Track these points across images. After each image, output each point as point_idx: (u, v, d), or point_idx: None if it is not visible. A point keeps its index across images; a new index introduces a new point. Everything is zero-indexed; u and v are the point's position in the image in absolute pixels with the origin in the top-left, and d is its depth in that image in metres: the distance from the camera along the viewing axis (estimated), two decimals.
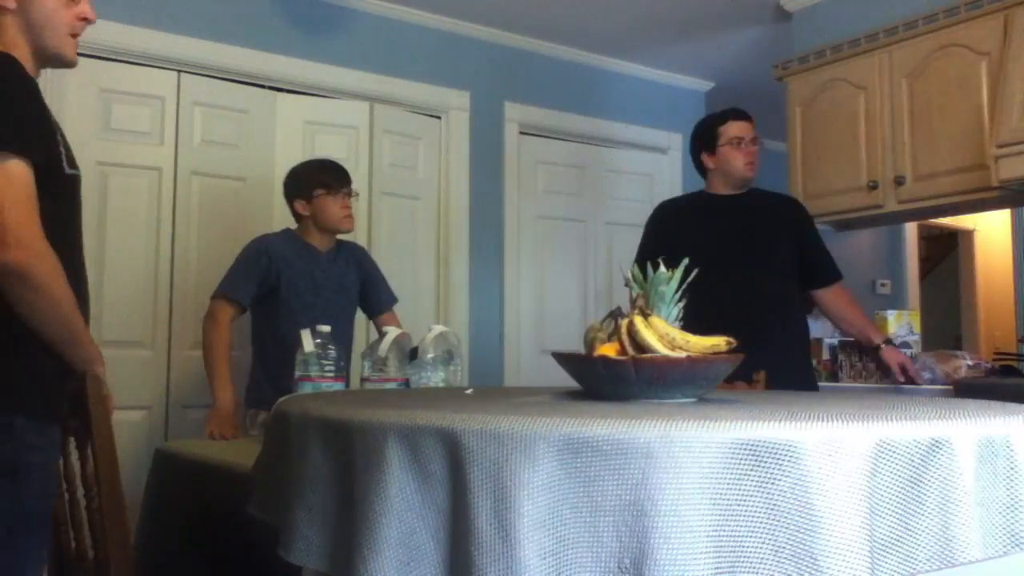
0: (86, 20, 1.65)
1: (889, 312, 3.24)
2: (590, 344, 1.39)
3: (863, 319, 2.87)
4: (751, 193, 2.81)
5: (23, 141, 1.47)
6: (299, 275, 2.71)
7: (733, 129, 2.74)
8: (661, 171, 4.87)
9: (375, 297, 2.93)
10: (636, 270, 1.39)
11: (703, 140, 2.81)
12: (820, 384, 3.11)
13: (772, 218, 2.77)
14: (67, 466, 1.71)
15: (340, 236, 2.85)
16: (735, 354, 1.31)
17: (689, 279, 1.37)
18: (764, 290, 2.67)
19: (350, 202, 2.77)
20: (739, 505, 0.92)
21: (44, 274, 1.47)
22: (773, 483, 0.92)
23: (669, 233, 2.75)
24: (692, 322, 1.41)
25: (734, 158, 2.73)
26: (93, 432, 1.57)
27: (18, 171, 1.45)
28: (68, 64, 1.67)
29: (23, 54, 1.59)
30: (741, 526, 0.91)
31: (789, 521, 0.91)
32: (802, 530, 0.90)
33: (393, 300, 2.99)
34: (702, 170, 2.85)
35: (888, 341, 2.81)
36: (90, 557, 1.64)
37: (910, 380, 2.88)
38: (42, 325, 1.52)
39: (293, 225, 2.84)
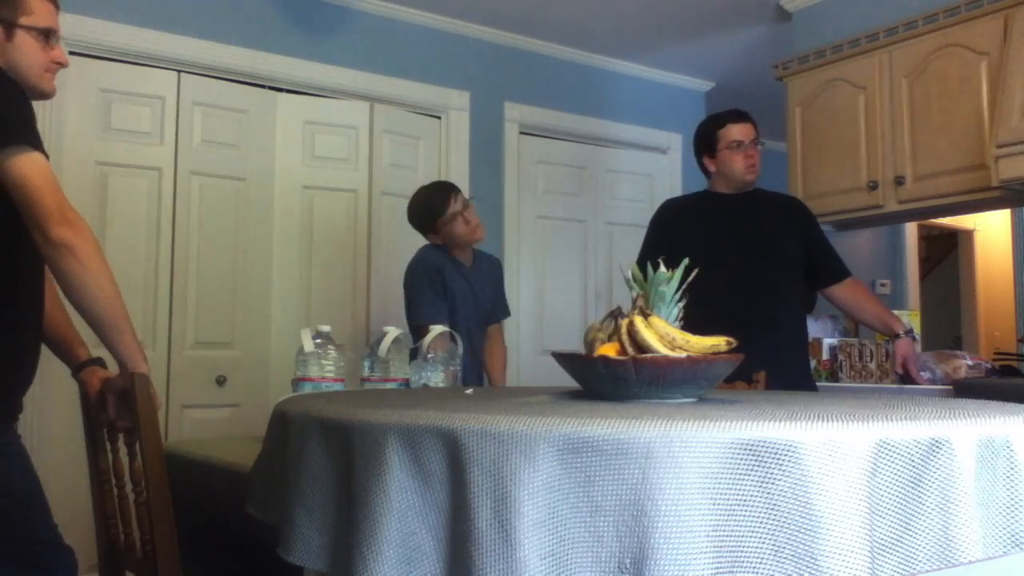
0: (59, 64, 1.75)
1: None
2: (590, 344, 1.39)
3: (883, 310, 2.85)
4: (754, 193, 2.80)
5: (39, 139, 1.57)
6: (457, 287, 2.88)
7: (732, 132, 2.72)
8: (661, 171, 4.87)
9: (492, 311, 3.09)
10: (636, 270, 1.39)
11: (704, 143, 2.80)
12: (820, 384, 3.11)
13: (776, 218, 2.76)
14: (116, 462, 1.76)
15: (477, 247, 3.02)
16: (735, 354, 1.31)
17: (689, 279, 1.37)
18: (766, 290, 2.66)
19: (470, 213, 2.88)
20: (739, 505, 0.92)
21: (92, 250, 1.55)
22: (773, 483, 0.92)
23: (673, 232, 2.74)
24: (694, 320, 1.41)
25: (734, 162, 2.71)
26: (141, 429, 1.60)
27: (44, 161, 1.56)
28: (46, 96, 1.76)
29: None
30: (741, 526, 0.91)
31: (789, 521, 0.91)
32: (802, 530, 0.90)
33: (505, 315, 3.15)
34: (705, 171, 2.85)
35: (908, 332, 2.80)
36: (138, 549, 1.69)
37: (909, 378, 2.87)
38: (87, 301, 1.56)
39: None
